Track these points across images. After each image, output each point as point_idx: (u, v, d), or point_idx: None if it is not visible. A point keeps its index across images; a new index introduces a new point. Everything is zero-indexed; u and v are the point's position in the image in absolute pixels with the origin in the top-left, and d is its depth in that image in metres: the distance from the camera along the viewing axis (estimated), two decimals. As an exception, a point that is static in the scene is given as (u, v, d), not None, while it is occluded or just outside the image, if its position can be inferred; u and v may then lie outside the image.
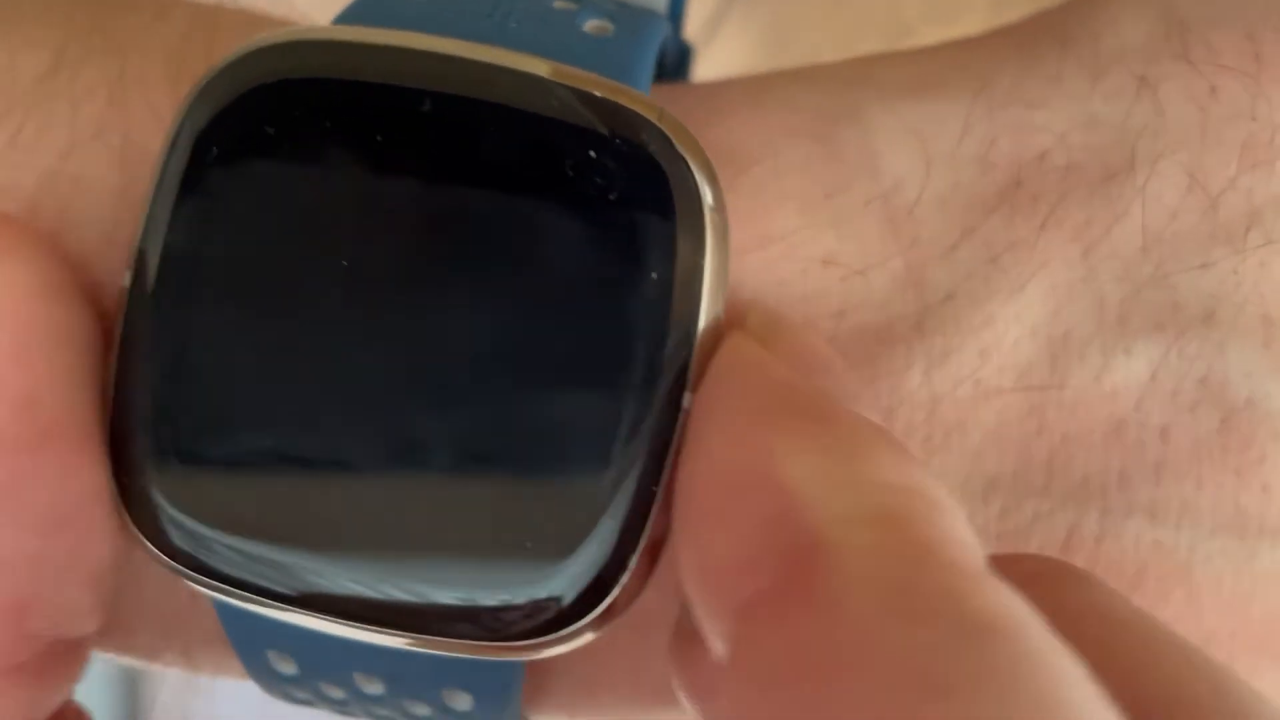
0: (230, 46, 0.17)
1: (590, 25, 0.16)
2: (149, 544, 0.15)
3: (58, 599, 0.15)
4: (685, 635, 0.16)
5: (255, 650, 0.17)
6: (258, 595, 0.15)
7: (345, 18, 0.16)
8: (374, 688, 0.17)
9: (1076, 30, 0.18)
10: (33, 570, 0.15)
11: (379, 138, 0.15)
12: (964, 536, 0.12)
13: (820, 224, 0.17)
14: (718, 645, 0.13)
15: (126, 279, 0.15)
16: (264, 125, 0.15)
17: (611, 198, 0.15)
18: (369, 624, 0.15)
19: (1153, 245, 0.16)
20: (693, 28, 0.22)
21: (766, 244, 0.16)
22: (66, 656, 0.16)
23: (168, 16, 0.18)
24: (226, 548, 0.15)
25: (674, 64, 0.21)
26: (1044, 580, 0.14)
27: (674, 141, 0.15)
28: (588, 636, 0.15)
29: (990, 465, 0.16)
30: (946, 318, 0.16)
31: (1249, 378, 0.16)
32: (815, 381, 0.14)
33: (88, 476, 0.15)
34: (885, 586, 0.11)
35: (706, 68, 0.29)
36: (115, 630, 0.18)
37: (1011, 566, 0.13)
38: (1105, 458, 0.16)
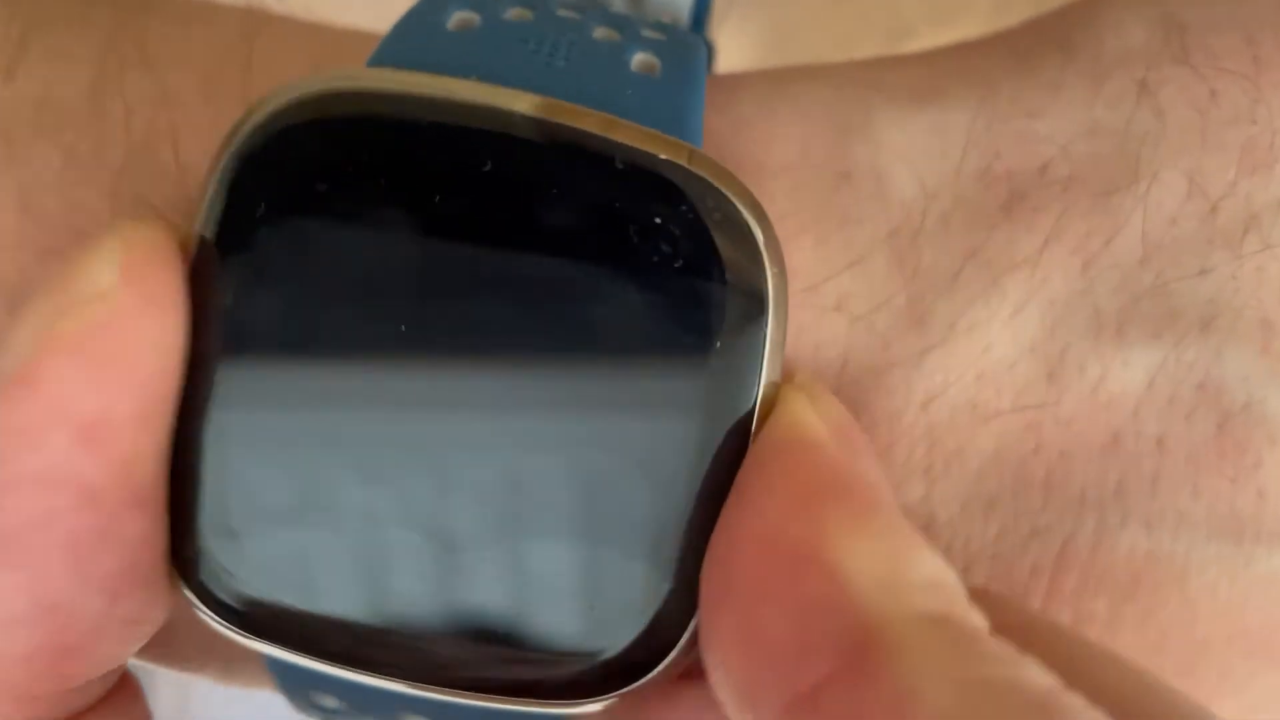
0: (264, 59, 0.17)
1: (637, 61, 0.16)
2: (198, 603, 0.15)
3: (105, 652, 0.15)
4: (630, 704, 0.16)
5: (300, 689, 0.17)
6: (307, 651, 0.15)
7: (386, 49, 0.15)
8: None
9: (1078, 35, 0.18)
10: (91, 626, 0.15)
11: (434, 195, 0.14)
12: (984, 624, 0.13)
13: (835, 261, 0.17)
14: None
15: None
16: (308, 179, 0.14)
17: (676, 265, 0.14)
18: (419, 681, 0.15)
19: (1152, 254, 0.16)
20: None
21: (790, 284, 0.16)
22: (97, 684, 0.16)
23: (196, 22, 0.18)
24: (276, 606, 0.15)
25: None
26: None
27: (733, 200, 0.14)
28: (639, 694, 0.15)
29: (989, 487, 0.17)
30: (947, 353, 0.16)
31: (1246, 382, 0.16)
32: (859, 462, 0.14)
33: (162, 544, 0.15)
34: (952, 678, 0.11)
35: (706, 68, 0.28)
36: (158, 644, 0.18)
37: None
38: (1102, 470, 0.16)
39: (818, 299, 0.17)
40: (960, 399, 0.16)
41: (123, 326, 0.14)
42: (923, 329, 0.16)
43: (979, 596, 0.14)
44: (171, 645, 0.18)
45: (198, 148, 0.16)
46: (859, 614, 0.12)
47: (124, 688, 0.17)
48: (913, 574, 0.13)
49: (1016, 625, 0.13)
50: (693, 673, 0.15)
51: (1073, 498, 0.16)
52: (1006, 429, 0.16)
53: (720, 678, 0.13)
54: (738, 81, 0.18)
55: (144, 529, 0.14)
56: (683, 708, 0.16)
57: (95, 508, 0.14)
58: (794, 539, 0.13)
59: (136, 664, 0.19)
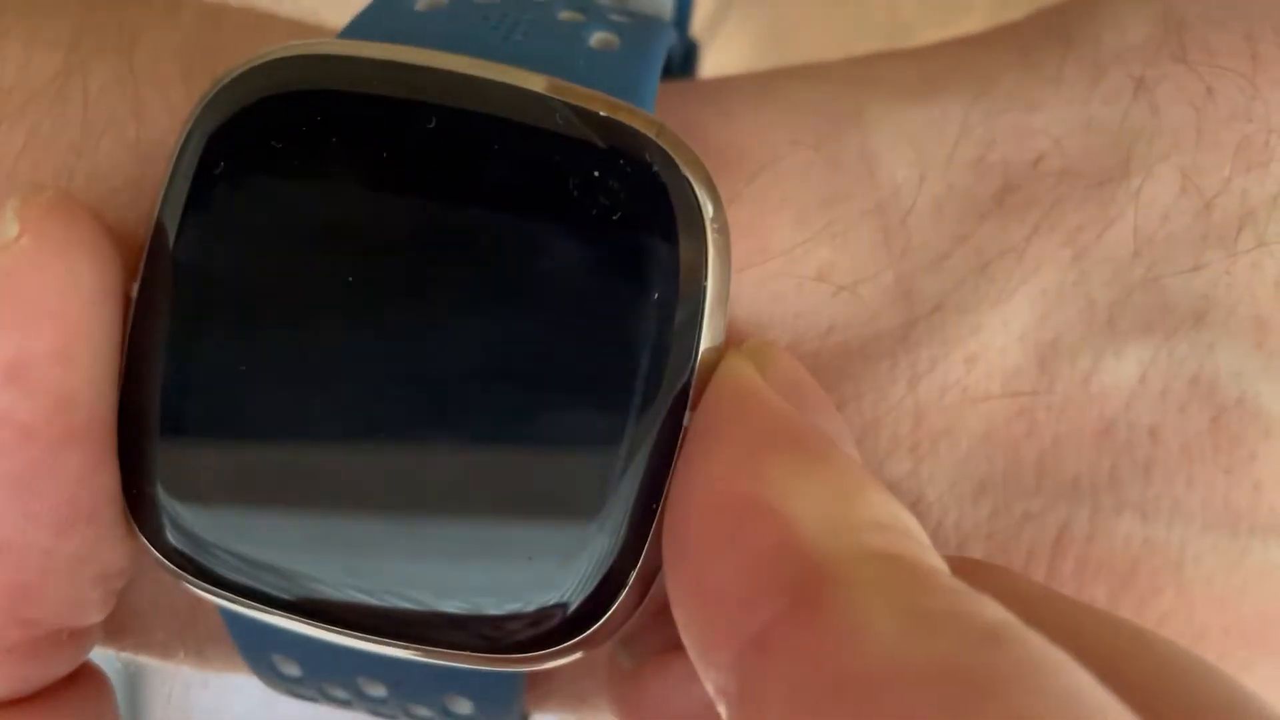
0: (237, 44, 0.17)
1: (596, 39, 0.16)
2: (153, 549, 0.15)
3: (61, 593, 0.16)
4: (625, 675, 0.16)
5: (260, 653, 0.17)
6: (260, 602, 0.15)
7: (356, 26, 0.16)
8: (377, 690, 0.17)
9: (1078, 30, 0.18)
10: (40, 562, 0.15)
11: (384, 152, 0.15)
12: (943, 566, 0.13)
13: (816, 235, 0.17)
14: (712, 679, 0.13)
15: (134, 288, 0.15)
16: (270, 139, 0.15)
17: (615, 217, 0.15)
18: (370, 634, 0.15)
19: (1144, 248, 0.17)
20: (693, 27, 0.22)
21: (763, 258, 0.17)
22: (67, 643, 0.16)
23: (177, 12, 0.18)
24: (230, 554, 0.15)
25: (680, 61, 0.21)
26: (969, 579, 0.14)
27: (675, 159, 0.15)
28: (581, 652, 0.15)
29: (979, 468, 0.17)
30: (934, 328, 0.17)
31: (1239, 377, 0.16)
32: (808, 415, 0.15)
33: (106, 480, 0.15)
34: (899, 611, 0.11)
35: (706, 68, 0.29)
36: (130, 629, 0.18)
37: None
38: (1096, 457, 0.17)
39: (794, 267, 0.17)
40: (949, 378, 0.17)
41: (29, 271, 0.15)
42: (910, 305, 0.17)
43: (967, 564, 0.14)
44: (145, 633, 0.18)
45: (165, 126, 0.17)
46: (805, 554, 0.12)
47: (92, 680, 0.17)
48: (862, 514, 0.13)
49: (1009, 591, 0.14)
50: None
51: (1066, 483, 0.17)
52: (996, 412, 0.17)
53: (685, 637, 0.14)
54: (726, 81, 0.19)
55: (83, 462, 0.15)
56: (673, 677, 0.16)
57: (31, 444, 0.15)
58: (739, 490, 0.13)
59: (134, 666, 0.20)
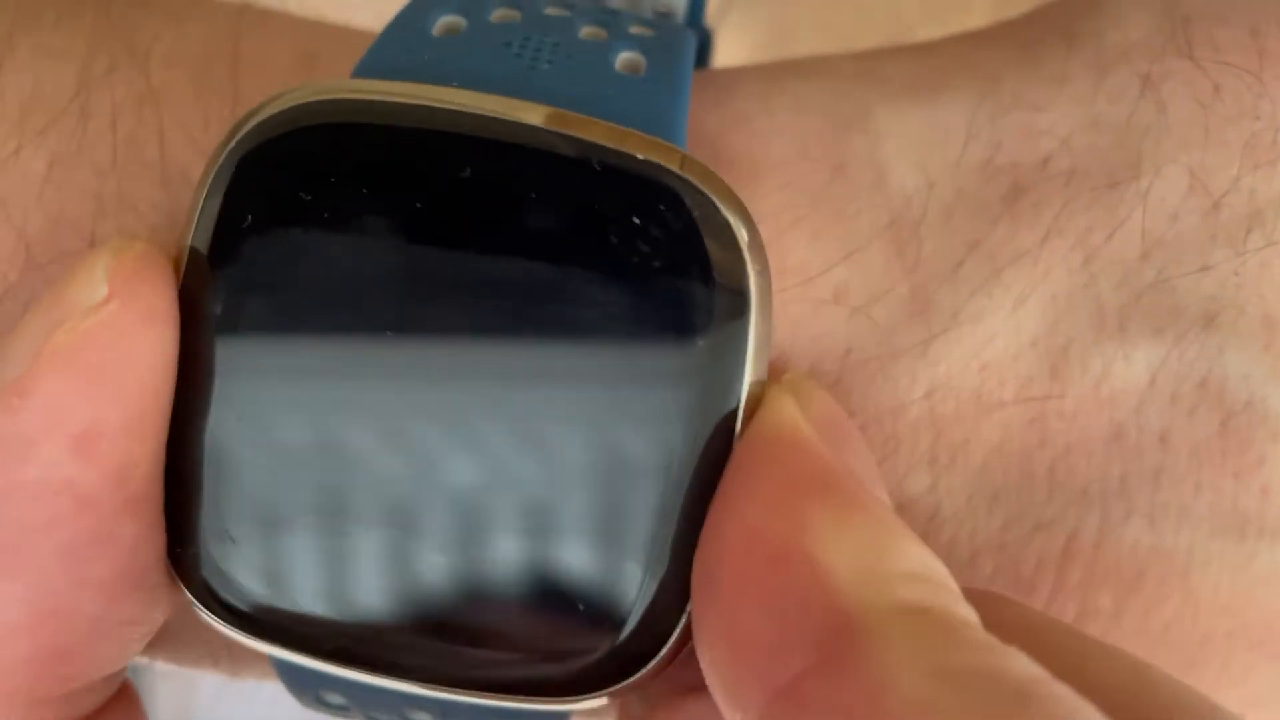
0: (250, 55, 0.17)
1: (622, 61, 0.16)
2: (200, 607, 0.15)
3: (105, 653, 0.15)
4: (636, 718, 0.16)
5: (307, 689, 0.17)
6: (308, 650, 0.15)
7: (375, 56, 0.16)
8: (424, 716, 0.17)
9: (1081, 26, 0.17)
10: (88, 628, 0.15)
11: (416, 202, 0.15)
12: (974, 617, 0.13)
13: (831, 254, 0.17)
14: None
15: None
16: (297, 188, 0.15)
17: (654, 261, 0.14)
18: (419, 679, 0.15)
19: (1153, 249, 0.16)
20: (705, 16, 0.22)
21: (781, 280, 0.16)
22: (100, 686, 0.16)
23: (185, 18, 0.18)
24: (280, 608, 0.15)
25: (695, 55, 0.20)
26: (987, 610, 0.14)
27: (707, 192, 0.14)
28: (633, 693, 0.15)
29: (994, 480, 0.17)
30: (950, 342, 0.16)
31: (1248, 380, 0.16)
32: (846, 459, 0.14)
33: (158, 545, 0.15)
34: (930, 667, 0.11)
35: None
36: (167, 643, 0.18)
37: None
38: (1106, 465, 0.16)
39: (813, 292, 0.17)
40: (964, 389, 0.16)
41: (114, 339, 0.14)
42: (926, 319, 0.16)
43: (981, 596, 0.14)
44: (179, 644, 0.18)
45: (185, 146, 0.16)
46: (838, 605, 0.12)
47: (123, 696, 0.17)
48: (895, 565, 0.13)
49: (1019, 624, 0.14)
50: (698, 686, 0.15)
51: (1077, 491, 0.16)
52: (1010, 421, 0.16)
53: (710, 677, 0.14)
54: (735, 77, 0.18)
55: (138, 532, 0.15)
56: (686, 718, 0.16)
57: (90, 514, 0.14)
58: (776, 534, 0.13)
59: (138, 664, 0.20)
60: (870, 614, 0.12)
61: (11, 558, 0.14)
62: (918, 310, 0.17)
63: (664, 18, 0.20)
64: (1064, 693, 0.11)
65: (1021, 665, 0.12)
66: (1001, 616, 0.13)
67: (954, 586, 0.13)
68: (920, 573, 0.13)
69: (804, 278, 0.17)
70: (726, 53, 0.34)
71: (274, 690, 0.19)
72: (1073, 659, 0.13)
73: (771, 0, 0.34)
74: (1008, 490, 0.17)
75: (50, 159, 0.16)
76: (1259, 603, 0.17)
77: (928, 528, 0.17)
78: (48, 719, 0.16)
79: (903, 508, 0.17)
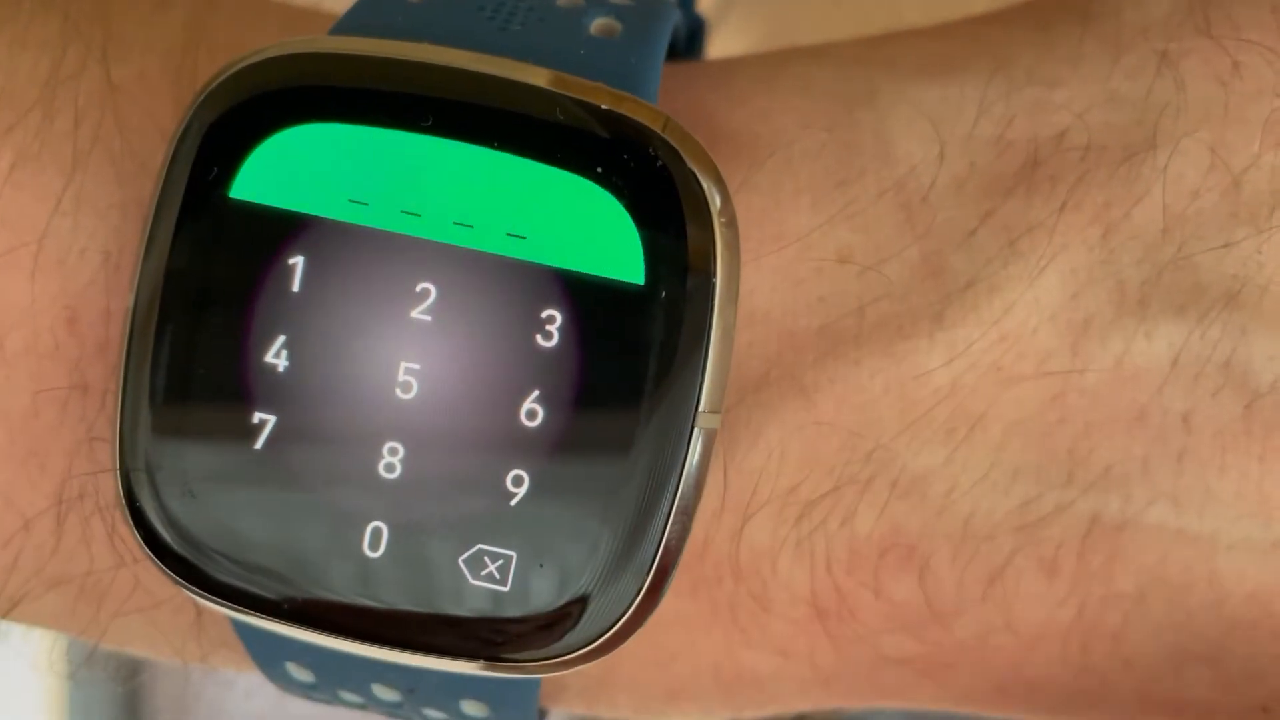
0: (228, 41, 0.17)
1: (597, 25, 0.16)
2: (161, 566, 0.15)
3: None
4: None
5: (274, 661, 0.17)
6: (270, 612, 0.15)
7: (350, 19, 0.16)
8: (391, 695, 0.17)
9: (1097, 6, 0.17)
10: None
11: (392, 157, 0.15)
12: None
13: (834, 218, 0.16)
14: None
15: (130, 300, 0.15)
16: (260, 137, 0.15)
17: (627, 216, 0.15)
18: (384, 643, 0.15)
19: (1174, 226, 0.16)
20: (699, 4, 0.22)
21: (780, 244, 0.16)
22: None
23: (167, 5, 0.18)
24: (240, 567, 0.15)
25: (686, 41, 0.20)
26: None
27: (681, 152, 0.15)
28: (597, 658, 0.15)
29: (1013, 456, 0.16)
30: (967, 307, 0.16)
31: (1273, 361, 0.16)
32: None
33: None
34: None
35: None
36: (139, 638, 0.18)
37: None
38: (1128, 446, 0.16)
39: (812, 251, 0.16)
40: (983, 359, 0.16)
41: None
42: (940, 282, 0.16)
43: None
44: (150, 637, 0.18)
45: (153, 137, 0.16)
46: None
47: None
48: None
49: None
50: None
51: (1098, 473, 0.16)
52: (1029, 395, 0.16)
53: None
54: (736, 62, 0.18)
55: None
56: None
57: None
58: None
59: (133, 666, 0.19)
60: None
61: None
62: (930, 273, 0.16)
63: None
64: None
65: None
66: None
67: None
68: None
69: (804, 243, 0.16)
70: (725, 51, 0.34)
71: (273, 688, 0.19)
72: None
73: (771, 0, 0.34)
74: (1027, 468, 0.16)
75: (14, 159, 0.16)
76: None
77: (944, 503, 0.16)
78: None
79: (917, 481, 0.16)
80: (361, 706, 0.18)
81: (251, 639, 0.17)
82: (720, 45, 0.34)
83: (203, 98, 0.15)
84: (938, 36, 0.18)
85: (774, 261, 0.16)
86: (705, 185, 0.15)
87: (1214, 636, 0.17)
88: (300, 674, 0.17)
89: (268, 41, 0.17)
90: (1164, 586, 0.16)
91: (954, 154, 0.17)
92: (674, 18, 0.17)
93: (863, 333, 0.16)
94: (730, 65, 0.18)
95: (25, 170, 0.16)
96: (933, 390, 0.16)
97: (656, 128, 0.15)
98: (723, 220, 0.15)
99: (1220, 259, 0.16)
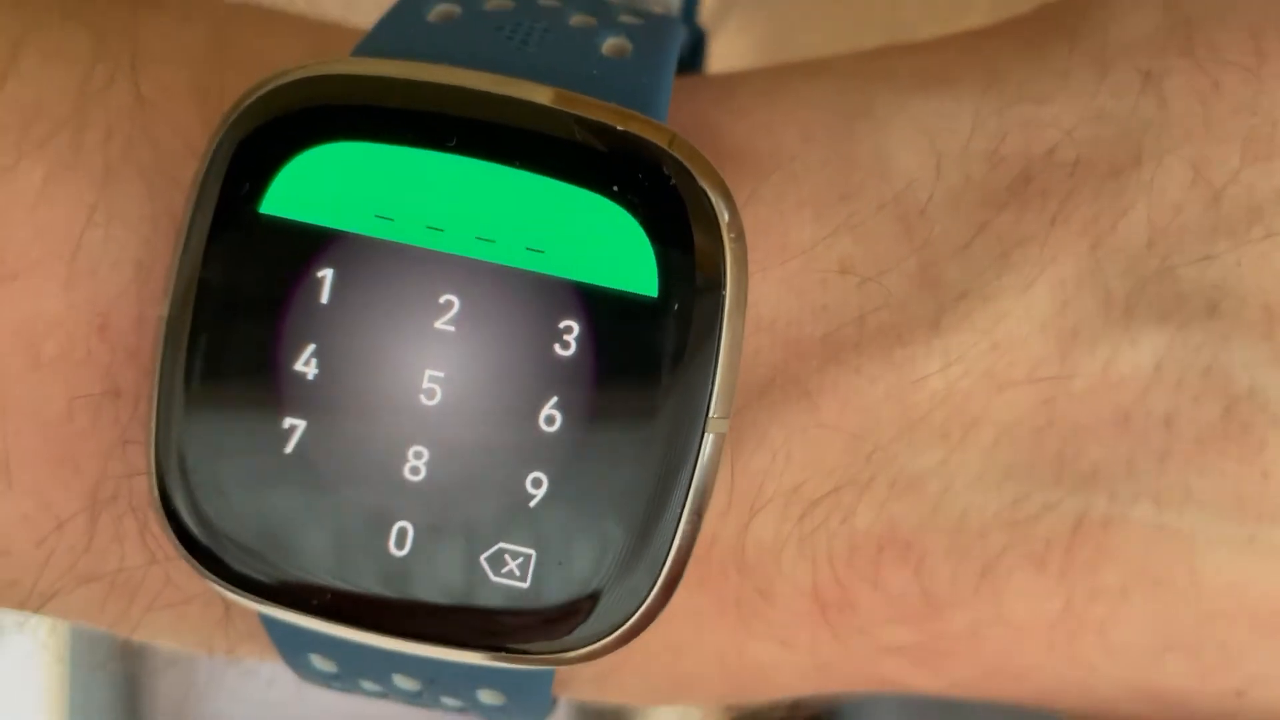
0: (252, 53, 0.17)
1: (609, 45, 0.17)
2: (193, 562, 0.16)
3: None
4: None
5: (299, 653, 0.18)
6: (297, 607, 0.16)
7: (372, 40, 0.16)
8: (411, 685, 0.18)
9: (1084, 24, 0.18)
10: None
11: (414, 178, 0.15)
12: None
13: (836, 230, 0.17)
14: None
15: (164, 309, 0.16)
16: (287, 158, 0.15)
17: (640, 233, 0.15)
18: (406, 636, 0.16)
19: (1158, 239, 0.17)
20: (699, 16, 0.22)
21: (784, 256, 0.17)
22: None
23: (192, 19, 0.18)
24: (269, 564, 0.16)
25: (688, 53, 0.21)
26: None
27: (689, 167, 0.15)
28: (608, 652, 0.16)
29: (1005, 457, 0.17)
30: (962, 315, 0.17)
31: (1249, 368, 0.17)
32: None
33: None
34: None
35: (709, 65, 0.29)
36: (168, 631, 0.18)
37: None
38: (1113, 447, 0.17)
39: (816, 263, 0.17)
40: (977, 365, 0.17)
41: None
42: (936, 292, 0.17)
43: None
44: (179, 629, 0.19)
45: (184, 149, 0.17)
46: None
47: None
48: None
49: None
50: None
51: (1085, 472, 0.17)
52: (1021, 400, 0.17)
53: None
54: (739, 77, 0.19)
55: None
56: None
57: None
58: None
59: (132, 665, 0.20)
60: None
61: None
62: (928, 283, 0.17)
63: (656, 16, 0.21)
64: None
65: None
66: None
67: None
68: None
69: (808, 255, 0.17)
70: (726, 52, 0.34)
71: (271, 685, 0.19)
72: None
73: (771, 0, 0.34)
74: (1017, 468, 0.17)
75: (46, 172, 0.16)
76: (1260, 583, 0.17)
77: (939, 501, 0.17)
78: None
79: (914, 481, 0.17)
80: (381, 695, 0.18)
81: (277, 632, 0.17)
82: (721, 44, 0.34)
83: (234, 117, 0.16)
84: (932, 51, 0.19)
85: (779, 273, 0.17)
86: (714, 200, 0.15)
87: (1193, 626, 0.17)
88: (323, 665, 0.18)
89: (291, 55, 0.17)
90: (1147, 580, 0.17)
91: (950, 168, 0.17)
92: (681, 35, 0.18)
93: (863, 340, 0.17)
94: (732, 80, 0.19)
95: (59, 183, 0.16)
96: (929, 395, 0.17)
97: (663, 144, 0.15)
98: (731, 235, 0.15)
99: (1202, 270, 0.17)
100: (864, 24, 0.34)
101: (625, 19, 0.17)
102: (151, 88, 0.17)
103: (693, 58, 0.22)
